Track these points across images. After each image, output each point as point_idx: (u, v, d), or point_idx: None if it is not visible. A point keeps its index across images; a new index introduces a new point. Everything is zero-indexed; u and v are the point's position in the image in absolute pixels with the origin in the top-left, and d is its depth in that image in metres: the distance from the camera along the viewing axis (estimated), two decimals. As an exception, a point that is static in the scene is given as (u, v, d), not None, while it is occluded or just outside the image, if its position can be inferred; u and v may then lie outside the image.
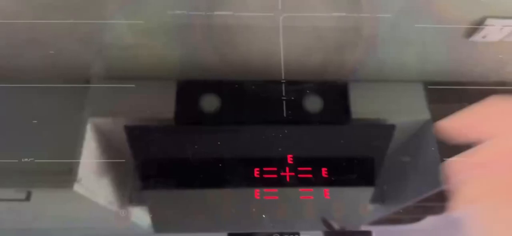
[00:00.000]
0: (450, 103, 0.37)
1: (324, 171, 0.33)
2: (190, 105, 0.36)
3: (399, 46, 0.40)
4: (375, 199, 0.33)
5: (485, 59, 0.40)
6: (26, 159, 0.32)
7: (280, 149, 0.33)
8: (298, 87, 0.37)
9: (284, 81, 0.36)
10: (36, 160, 0.32)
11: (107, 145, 0.35)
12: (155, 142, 0.34)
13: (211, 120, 0.35)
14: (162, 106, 0.36)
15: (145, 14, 0.40)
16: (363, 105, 0.36)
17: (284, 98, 0.36)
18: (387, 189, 0.33)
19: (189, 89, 0.37)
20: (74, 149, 0.33)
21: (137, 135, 0.35)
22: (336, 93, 0.37)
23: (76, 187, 0.32)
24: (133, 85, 0.37)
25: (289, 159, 0.33)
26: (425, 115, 0.36)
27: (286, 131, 0.34)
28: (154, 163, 0.34)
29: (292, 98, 0.36)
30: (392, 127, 0.36)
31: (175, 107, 0.35)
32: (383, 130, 0.36)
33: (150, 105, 0.36)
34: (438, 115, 0.35)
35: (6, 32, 0.39)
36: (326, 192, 0.32)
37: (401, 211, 0.33)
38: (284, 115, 0.35)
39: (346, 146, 0.35)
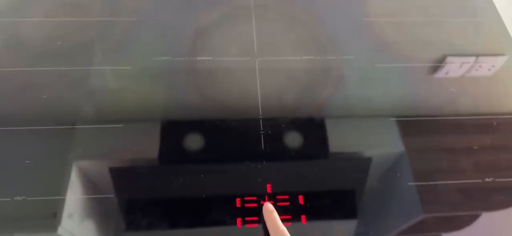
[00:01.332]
0: (422, 136, 0.40)
1: (301, 199, 0.35)
2: (173, 144, 0.37)
3: (367, 84, 0.43)
4: (356, 231, 0.34)
5: (452, 93, 0.43)
6: (18, 198, 0.33)
7: (259, 180, 0.36)
8: (277, 122, 0.39)
9: (261, 117, 0.39)
10: (28, 198, 0.33)
11: (92, 187, 0.35)
12: (139, 183, 0.35)
13: (194, 157, 0.37)
14: (147, 146, 0.37)
15: (132, 60, 0.43)
16: (339, 140, 0.39)
17: (262, 132, 0.38)
18: (366, 220, 0.35)
19: (172, 129, 0.38)
20: (60, 192, 0.34)
21: (122, 176, 0.35)
22: (316, 129, 0.39)
23: (60, 231, 0.33)
24: (120, 127, 0.38)
25: (268, 188, 0.36)
26: (400, 147, 0.39)
27: (264, 164, 0.36)
28: (139, 204, 0.34)
29: (270, 132, 0.38)
30: (369, 159, 0.38)
31: (159, 147, 0.37)
32: (360, 163, 0.38)
33: (135, 146, 0.37)
34: (412, 148, 0.38)
35: (2, 79, 0.40)
36: (304, 218, 0.35)
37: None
38: (263, 149, 0.37)
39: (324, 178, 0.37)
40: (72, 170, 0.35)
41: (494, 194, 0.37)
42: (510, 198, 0.36)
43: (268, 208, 0.33)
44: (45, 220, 0.33)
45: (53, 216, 0.33)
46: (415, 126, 0.40)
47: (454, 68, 0.45)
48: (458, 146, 0.39)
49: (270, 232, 0.32)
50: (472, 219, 0.35)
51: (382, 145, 0.39)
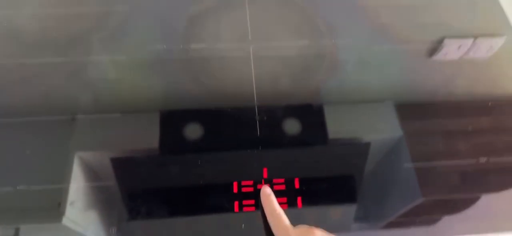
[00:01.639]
0: (420, 120, 0.40)
1: (296, 182, 0.36)
2: (170, 132, 0.38)
3: (364, 68, 0.44)
4: (355, 216, 0.35)
5: (450, 75, 0.44)
6: (21, 187, 0.34)
7: (255, 165, 0.36)
8: (272, 108, 0.40)
9: (256, 104, 0.40)
10: (31, 187, 0.34)
11: (91, 176, 0.36)
12: (140, 173, 0.36)
13: (191, 145, 0.38)
14: (144, 135, 0.38)
15: (127, 50, 0.43)
16: (335, 124, 0.39)
17: (258, 118, 0.39)
18: (365, 204, 0.35)
19: (169, 118, 0.39)
20: (62, 183, 0.35)
21: (123, 166, 0.36)
22: (312, 114, 0.40)
23: (65, 221, 0.34)
24: (117, 116, 0.39)
25: (265, 173, 0.36)
26: (398, 131, 0.39)
27: (260, 149, 0.37)
28: (140, 193, 0.35)
29: (265, 118, 0.39)
30: (367, 144, 0.38)
31: (157, 135, 0.38)
32: (357, 147, 0.38)
33: (132, 135, 0.38)
34: (410, 132, 0.39)
35: (0, 72, 0.41)
36: (299, 201, 0.35)
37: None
38: (258, 135, 0.38)
39: (320, 162, 0.37)
40: (72, 160, 0.36)
41: (490, 174, 0.37)
42: (504, 178, 0.37)
43: (266, 191, 0.34)
44: (49, 211, 0.34)
45: (57, 206, 0.34)
46: (413, 109, 0.41)
47: (452, 50, 0.45)
48: (456, 128, 0.40)
49: (267, 214, 0.32)
50: (469, 201, 0.36)
51: (380, 129, 0.40)
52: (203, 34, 0.45)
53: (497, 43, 0.46)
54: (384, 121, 0.40)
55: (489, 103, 0.41)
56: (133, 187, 0.36)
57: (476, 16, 0.49)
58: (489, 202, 0.36)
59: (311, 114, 0.40)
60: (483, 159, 0.38)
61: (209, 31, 0.45)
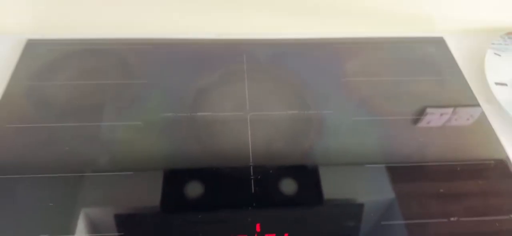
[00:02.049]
0: (411, 182, 0.44)
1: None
2: (174, 192, 0.42)
3: (345, 135, 0.49)
4: None
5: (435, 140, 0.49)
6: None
7: (249, 220, 0.40)
8: (266, 168, 0.44)
9: (252, 164, 0.45)
10: None
11: (106, 227, 0.39)
12: (144, 230, 0.39)
13: (192, 201, 0.41)
14: (152, 192, 0.42)
15: (142, 116, 0.49)
16: (322, 184, 0.43)
17: (252, 178, 0.43)
18: None
19: (174, 176, 0.43)
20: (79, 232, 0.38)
21: (127, 223, 0.39)
22: (298, 173, 0.44)
23: None
24: (131, 174, 0.43)
25: (258, 227, 0.40)
26: (390, 194, 0.43)
27: (254, 206, 0.41)
28: None
29: (259, 177, 0.43)
30: (361, 206, 0.42)
31: (161, 194, 0.41)
32: (352, 209, 0.41)
33: (139, 194, 0.42)
34: (401, 194, 0.42)
35: (31, 133, 0.47)
36: None
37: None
38: (253, 192, 0.42)
39: (318, 225, 0.41)
40: (85, 212, 0.40)
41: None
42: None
43: None
44: None
45: None
46: (404, 172, 0.45)
47: (434, 118, 0.51)
48: (445, 190, 0.44)
49: None
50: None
51: (372, 191, 0.44)
52: (207, 103, 0.51)
53: (476, 111, 0.52)
54: (376, 183, 0.44)
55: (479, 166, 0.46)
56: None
57: (444, 91, 0.56)
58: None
59: (300, 173, 0.45)
60: (471, 220, 0.41)
61: (213, 101, 0.52)
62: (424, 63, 0.59)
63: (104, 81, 0.54)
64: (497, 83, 0.54)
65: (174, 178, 0.44)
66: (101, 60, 0.57)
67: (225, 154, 0.47)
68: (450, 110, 0.53)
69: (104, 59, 0.57)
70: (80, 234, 0.39)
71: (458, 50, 0.61)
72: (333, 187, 0.44)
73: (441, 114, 0.52)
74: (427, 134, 0.50)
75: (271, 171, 0.45)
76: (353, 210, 0.42)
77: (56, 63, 0.56)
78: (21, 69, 0.54)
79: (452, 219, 0.41)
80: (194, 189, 0.43)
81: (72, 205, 0.41)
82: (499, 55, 0.59)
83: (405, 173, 0.45)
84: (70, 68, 0.55)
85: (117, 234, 0.39)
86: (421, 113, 0.52)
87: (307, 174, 0.45)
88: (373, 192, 0.44)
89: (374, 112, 0.52)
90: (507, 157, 0.47)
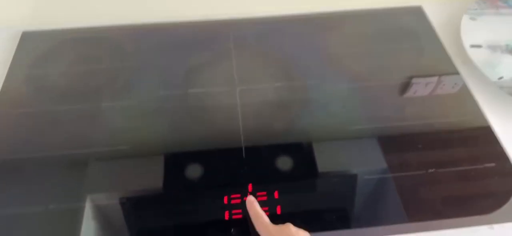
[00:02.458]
0: (402, 152, 0.46)
1: (276, 194, 0.42)
2: (171, 166, 0.44)
3: (329, 104, 0.51)
4: None
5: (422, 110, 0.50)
6: (51, 206, 0.41)
7: (242, 181, 0.43)
8: (255, 138, 0.47)
9: (242, 135, 0.47)
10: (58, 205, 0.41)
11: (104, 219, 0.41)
12: (148, 212, 0.41)
13: (187, 172, 0.44)
14: (152, 177, 0.44)
15: (137, 96, 0.52)
16: (326, 160, 0.45)
17: (243, 146, 0.46)
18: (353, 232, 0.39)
19: (172, 156, 0.45)
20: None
21: (131, 207, 0.41)
22: (301, 150, 0.46)
23: None
24: (127, 149, 0.46)
25: (250, 188, 0.43)
26: (382, 164, 0.45)
27: (246, 172, 0.44)
28: (148, 233, 0.40)
29: (249, 146, 0.46)
30: (354, 176, 0.44)
31: (163, 177, 0.44)
32: (346, 180, 0.44)
33: (142, 178, 0.44)
34: (393, 163, 0.44)
35: (33, 118, 0.50)
36: (279, 208, 0.41)
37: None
38: (244, 158, 0.45)
39: (313, 197, 0.43)
40: (85, 198, 0.42)
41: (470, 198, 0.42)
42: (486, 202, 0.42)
43: (250, 199, 0.40)
44: None
45: None
46: (395, 142, 0.48)
47: (420, 88, 0.53)
48: (435, 157, 0.45)
49: (252, 217, 0.38)
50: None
51: (356, 161, 0.46)
52: (198, 81, 0.54)
53: (460, 80, 0.54)
54: (368, 154, 0.46)
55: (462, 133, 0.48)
56: (142, 227, 0.41)
57: (421, 58, 0.58)
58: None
59: (290, 141, 0.48)
60: (460, 184, 0.43)
61: (203, 78, 0.54)
62: (403, 32, 0.62)
63: (98, 66, 0.56)
64: (472, 45, 0.57)
65: (171, 155, 0.46)
66: (94, 47, 0.59)
67: (216, 127, 0.49)
68: (431, 77, 0.56)
69: (97, 46, 0.59)
70: (81, 207, 0.41)
71: (435, 18, 0.64)
72: (323, 152, 0.46)
73: (424, 82, 0.55)
74: (408, 99, 0.53)
75: (261, 139, 0.48)
76: (346, 180, 0.45)
77: (52, 52, 0.58)
78: (19, 60, 0.57)
79: (429, 170, 0.45)
80: (188, 162, 0.45)
81: (71, 180, 0.43)
82: (475, 19, 0.61)
83: (389, 135, 0.48)
84: (66, 56, 0.58)
85: (117, 203, 0.42)
86: (402, 79, 0.55)
87: (295, 141, 0.48)
88: (359, 153, 0.47)
89: (355, 80, 0.55)
90: (482, 113, 0.51)
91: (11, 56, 0.57)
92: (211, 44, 0.59)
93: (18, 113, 0.50)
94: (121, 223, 0.41)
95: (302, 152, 0.47)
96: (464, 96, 0.53)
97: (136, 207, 0.42)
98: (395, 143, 0.48)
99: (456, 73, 0.56)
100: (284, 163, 0.46)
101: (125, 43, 0.60)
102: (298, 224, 0.37)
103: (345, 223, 0.41)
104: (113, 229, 0.41)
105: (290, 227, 0.35)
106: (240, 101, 0.51)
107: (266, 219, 0.38)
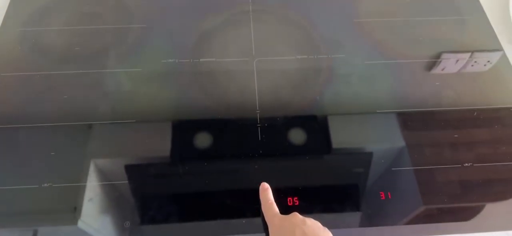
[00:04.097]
0: (422, 130, 0.42)
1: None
2: (180, 139, 0.41)
3: (356, 80, 0.46)
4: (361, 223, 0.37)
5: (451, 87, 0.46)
6: (45, 184, 0.38)
7: (256, 167, 0.40)
8: (273, 116, 0.43)
9: (258, 112, 0.43)
10: (54, 185, 0.38)
11: (107, 175, 0.39)
12: (152, 179, 0.39)
13: (198, 150, 0.41)
14: (156, 140, 0.41)
15: (142, 62, 0.47)
16: (330, 133, 0.42)
17: (259, 126, 0.42)
18: (371, 213, 0.37)
19: (179, 125, 0.42)
20: (78, 187, 0.38)
21: (136, 173, 0.39)
22: (306, 121, 0.43)
23: (80, 224, 0.36)
24: (132, 122, 0.42)
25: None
26: (400, 142, 0.42)
27: (261, 153, 0.40)
28: (152, 199, 0.38)
29: (266, 125, 0.42)
30: (370, 154, 0.41)
31: (167, 141, 0.41)
32: (362, 157, 0.41)
33: (147, 144, 0.41)
34: (411, 141, 0.41)
35: (29, 82, 0.45)
36: (296, 199, 0.38)
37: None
38: (260, 140, 0.41)
39: (328, 173, 0.40)
40: (90, 161, 0.39)
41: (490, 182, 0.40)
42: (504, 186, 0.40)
43: (264, 186, 0.37)
44: (66, 213, 0.37)
45: (73, 210, 0.37)
46: (415, 120, 0.43)
47: (450, 64, 0.48)
48: (456, 138, 0.42)
49: (262, 204, 0.36)
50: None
51: (376, 138, 0.42)
52: (211, 49, 0.49)
53: (494, 57, 0.49)
54: (386, 131, 0.42)
55: (490, 114, 0.43)
56: (146, 193, 0.38)
57: (470, 33, 0.52)
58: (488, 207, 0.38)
59: (308, 122, 0.43)
60: (482, 167, 0.40)
61: (217, 46, 0.49)
62: (447, 2, 0.55)
63: (100, 25, 0.51)
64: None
65: (178, 126, 0.43)
66: (96, 2, 0.53)
67: (231, 102, 0.45)
68: (468, 54, 0.50)
69: (100, 2, 0.53)
70: (81, 181, 0.38)
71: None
72: (342, 134, 0.42)
73: (458, 59, 0.49)
74: (443, 78, 0.47)
75: (278, 119, 0.43)
76: (363, 157, 0.41)
77: (49, 7, 0.52)
78: (12, 15, 0.51)
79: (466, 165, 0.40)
80: (199, 137, 0.42)
81: (71, 153, 0.40)
82: (527, -7, 0.54)
83: (418, 120, 0.44)
84: (65, 12, 0.52)
85: (120, 182, 0.38)
86: (437, 56, 0.49)
87: (317, 122, 0.43)
88: (384, 139, 0.42)
89: (387, 56, 0.49)
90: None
91: (3, 11, 0.52)
92: (227, 6, 0.53)
93: (10, 76, 0.46)
94: (126, 188, 0.39)
95: (326, 136, 0.42)
96: (509, 76, 0.48)
97: (141, 174, 0.40)
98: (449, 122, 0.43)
99: (500, 49, 0.50)
100: (306, 148, 0.41)
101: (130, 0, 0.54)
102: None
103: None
104: (118, 194, 0.39)
105: (296, 216, 0.34)
106: (257, 76, 0.46)
107: (274, 207, 0.36)
